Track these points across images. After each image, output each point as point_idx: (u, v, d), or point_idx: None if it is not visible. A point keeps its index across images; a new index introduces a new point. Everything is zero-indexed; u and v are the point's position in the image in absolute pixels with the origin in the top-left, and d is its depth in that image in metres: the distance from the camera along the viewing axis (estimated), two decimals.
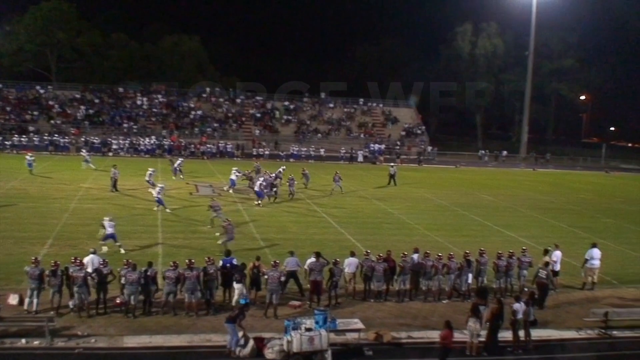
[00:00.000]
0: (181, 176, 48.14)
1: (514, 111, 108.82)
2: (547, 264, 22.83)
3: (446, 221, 37.45)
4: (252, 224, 33.21)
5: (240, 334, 17.24)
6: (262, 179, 40.39)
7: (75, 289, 19.05)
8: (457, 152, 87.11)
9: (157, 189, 35.68)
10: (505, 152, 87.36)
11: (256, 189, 39.24)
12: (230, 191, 43.05)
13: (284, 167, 49.04)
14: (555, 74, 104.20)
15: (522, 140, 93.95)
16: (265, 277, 20.26)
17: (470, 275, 22.55)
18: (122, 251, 25.71)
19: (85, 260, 20.27)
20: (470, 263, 22.60)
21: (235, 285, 20.33)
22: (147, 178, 41.99)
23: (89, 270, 19.79)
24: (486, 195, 48.83)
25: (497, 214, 40.62)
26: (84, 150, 57.00)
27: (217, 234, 29.34)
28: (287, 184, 42.23)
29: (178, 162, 50.22)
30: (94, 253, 21.06)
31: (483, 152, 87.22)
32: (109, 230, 26.05)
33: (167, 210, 34.82)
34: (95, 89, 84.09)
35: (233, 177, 43.91)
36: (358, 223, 35.03)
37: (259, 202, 38.71)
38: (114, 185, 41.10)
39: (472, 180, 59.55)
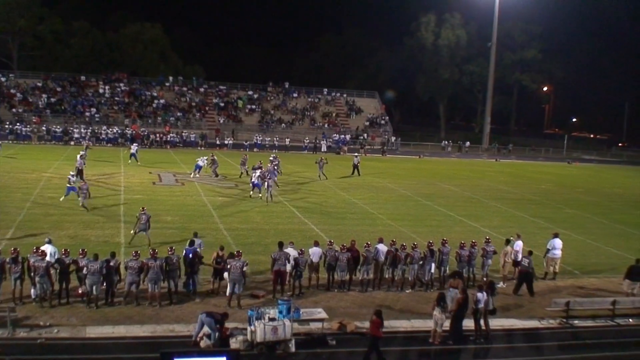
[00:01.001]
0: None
1: (476, 102, 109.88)
2: (530, 252, 23.19)
3: (409, 211, 37.74)
4: (216, 213, 33.14)
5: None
6: (259, 171, 40.01)
7: (37, 279, 18.83)
8: (421, 143, 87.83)
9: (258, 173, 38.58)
10: (468, 143, 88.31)
11: (253, 180, 38.91)
12: (197, 175, 43.28)
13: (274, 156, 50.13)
14: (518, 65, 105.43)
15: (485, 131, 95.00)
16: (228, 266, 20.22)
17: (433, 265, 22.76)
18: None
19: (42, 248, 20.04)
20: (433, 253, 22.82)
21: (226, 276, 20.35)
22: (201, 164, 44.99)
23: (49, 259, 19.56)
24: (449, 186, 49.31)
25: (460, 205, 41.02)
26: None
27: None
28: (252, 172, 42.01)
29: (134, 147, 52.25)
30: (49, 242, 20.81)
31: (446, 142, 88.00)
32: None
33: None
34: (57, 78, 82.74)
35: (200, 162, 45.07)
36: (322, 213, 35.12)
37: (252, 192, 38.58)
38: (79, 174, 40.14)
39: (435, 171, 60.09)
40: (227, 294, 20.01)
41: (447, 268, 23.22)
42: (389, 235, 26.99)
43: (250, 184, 39.18)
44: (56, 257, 19.93)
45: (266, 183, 35.13)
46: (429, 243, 23.29)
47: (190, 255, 20.67)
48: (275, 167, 44.04)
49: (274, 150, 65.27)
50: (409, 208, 38.87)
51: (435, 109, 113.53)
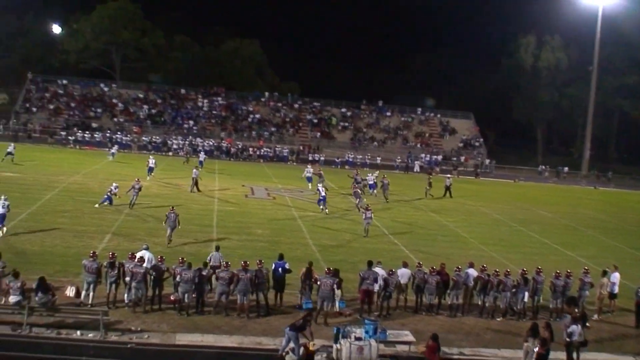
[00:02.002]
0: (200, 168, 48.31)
1: (576, 126, 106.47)
2: None
3: (502, 236, 36.88)
4: (305, 227, 33.31)
5: (302, 341, 17.06)
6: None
7: (133, 284, 19.36)
8: (516, 166, 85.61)
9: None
10: (566, 168, 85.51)
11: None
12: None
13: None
14: (619, 90, 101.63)
15: (584, 156, 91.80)
16: (318, 283, 20.23)
17: (526, 294, 22.06)
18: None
19: (139, 255, 20.60)
20: (527, 281, 22.13)
21: (336, 291, 20.39)
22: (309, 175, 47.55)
23: (146, 265, 20.10)
24: (545, 212, 47.89)
25: (556, 232, 39.78)
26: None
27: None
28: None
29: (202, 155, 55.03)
30: (146, 249, 21.37)
31: (543, 167, 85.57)
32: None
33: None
34: (158, 89, 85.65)
35: (307, 174, 48.30)
36: (412, 234, 34.78)
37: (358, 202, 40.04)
38: (195, 185, 41.81)
39: (531, 196, 58.47)
40: (317, 309, 20.03)
41: (541, 297, 22.49)
42: (480, 260, 26.35)
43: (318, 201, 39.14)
44: (152, 263, 20.45)
45: (366, 215, 34.08)
46: (523, 271, 22.64)
47: (280, 270, 20.81)
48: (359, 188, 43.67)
49: (363, 169, 65.08)
50: (502, 233, 37.98)
51: (532, 132, 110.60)
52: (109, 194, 34.69)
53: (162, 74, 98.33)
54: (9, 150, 48.01)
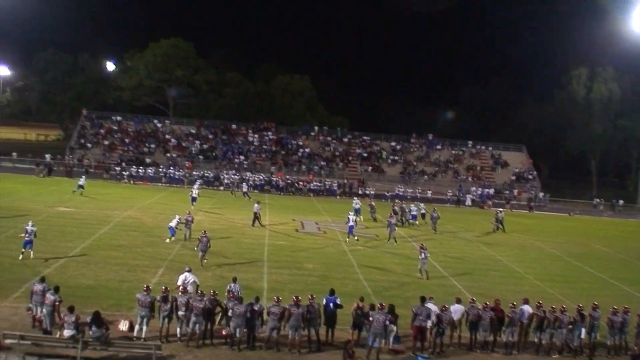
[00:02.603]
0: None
1: (630, 158, 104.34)
2: None
3: (558, 272, 36.05)
4: (356, 262, 33.11)
5: None
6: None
7: (192, 318, 19.46)
8: (571, 200, 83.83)
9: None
10: (621, 202, 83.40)
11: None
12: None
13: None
14: None
15: None
16: (370, 318, 20.01)
17: (583, 330, 21.49)
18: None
19: (181, 277, 20.68)
20: (584, 317, 21.55)
21: (390, 327, 20.21)
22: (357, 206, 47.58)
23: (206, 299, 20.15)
24: (601, 246, 46.74)
25: (613, 267, 38.76)
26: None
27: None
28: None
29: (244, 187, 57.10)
30: (189, 271, 21.37)
31: (597, 200, 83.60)
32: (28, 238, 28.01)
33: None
34: (210, 125, 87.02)
35: (355, 205, 47.98)
36: (464, 269, 34.25)
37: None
38: (257, 219, 42.32)
39: (586, 230, 57.17)
40: (368, 346, 19.80)
41: (598, 334, 21.85)
42: (535, 296, 25.73)
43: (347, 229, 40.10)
44: (191, 282, 20.54)
45: (423, 254, 32.79)
46: (579, 307, 22.08)
47: (331, 305, 20.68)
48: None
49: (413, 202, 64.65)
50: (558, 268, 37.12)
51: (586, 164, 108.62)
52: (175, 226, 35.06)
53: (213, 110, 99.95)
54: (80, 183, 51.01)
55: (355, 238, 39.80)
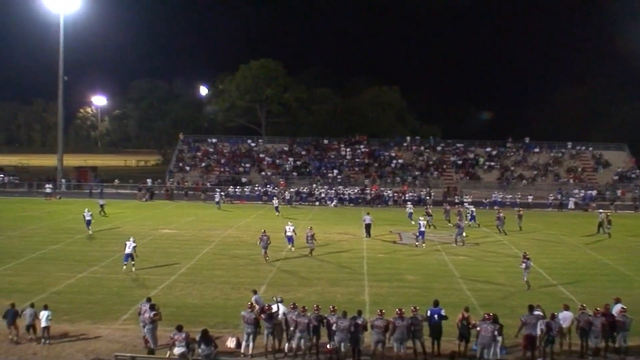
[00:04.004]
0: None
1: None
2: None
3: None
4: (457, 272, 32.56)
5: None
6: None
7: (297, 334, 19.60)
8: None
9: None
10: None
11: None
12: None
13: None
14: None
15: None
16: (478, 328, 19.60)
17: None
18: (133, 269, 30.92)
19: (274, 307, 20.79)
20: None
21: (497, 337, 19.87)
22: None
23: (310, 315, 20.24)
24: None
25: None
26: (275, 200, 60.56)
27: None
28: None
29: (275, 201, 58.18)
30: (280, 302, 21.43)
31: None
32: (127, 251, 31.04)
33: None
34: (302, 142, 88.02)
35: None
36: (571, 274, 33.07)
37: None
38: (368, 231, 43.63)
39: None
40: (475, 358, 19.40)
41: None
42: None
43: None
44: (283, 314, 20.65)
45: (525, 264, 32.51)
46: None
47: (436, 317, 20.38)
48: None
49: (513, 209, 63.02)
50: None
51: None
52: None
53: (305, 126, 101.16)
54: (217, 200, 60.79)
55: (419, 244, 40.36)
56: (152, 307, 20.30)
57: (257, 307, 21.31)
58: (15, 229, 43.92)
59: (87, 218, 43.73)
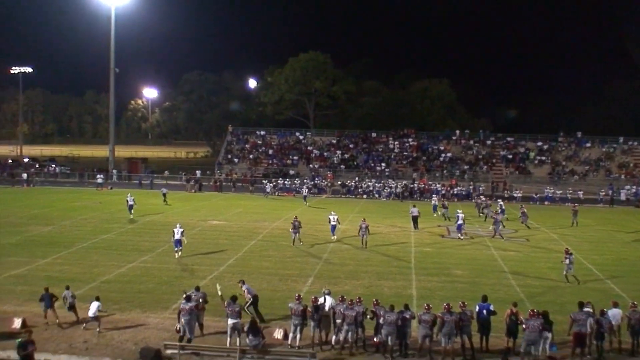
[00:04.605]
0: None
1: None
2: None
3: None
4: (507, 267, 32.19)
5: None
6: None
7: (344, 326, 19.68)
8: None
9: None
10: None
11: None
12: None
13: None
14: None
15: None
16: (523, 326, 19.39)
17: None
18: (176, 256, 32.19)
19: (320, 300, 20.85)
20: None
21: (546, 334, 19.70)
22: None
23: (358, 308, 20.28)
24: None
25: None
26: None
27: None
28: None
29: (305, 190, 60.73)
30: (328, 294, 21.48)
31: None
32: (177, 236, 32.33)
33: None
34: (350, 134, 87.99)
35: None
36: (621, 271, 32.40)
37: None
38: (415, 223, 44.47)
39: None
40: (521, 353, 19.21)
41: None
42: None
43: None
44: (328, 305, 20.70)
45: (568, 259, 31.90)
46: None
47: (485, 312, 20.23)
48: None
49: (565, 204, 62.00)
50: None
51: None
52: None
53: (353, 119, 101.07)
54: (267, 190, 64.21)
55: (462, 236, 40.89)
56: (188, 298, 20.58)
57: (248, 295, 22.33)
58: (67, 219, 44.94)
59: (130, 203, 46.92)
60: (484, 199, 56.01)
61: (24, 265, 30.17)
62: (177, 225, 33.10)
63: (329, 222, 39.19)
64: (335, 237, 38.64)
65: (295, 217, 37.83)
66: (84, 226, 42.25)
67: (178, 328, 20.28)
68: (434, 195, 60.37)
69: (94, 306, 21.26)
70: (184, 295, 20.72)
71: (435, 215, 50.74)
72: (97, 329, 21.05)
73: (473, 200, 59.63)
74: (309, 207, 55.77)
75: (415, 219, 44.31)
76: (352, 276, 29.35)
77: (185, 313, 20.08)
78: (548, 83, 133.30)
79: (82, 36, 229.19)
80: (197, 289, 21.84)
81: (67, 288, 22.04)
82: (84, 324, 21.35)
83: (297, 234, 36.64)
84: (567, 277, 29.52)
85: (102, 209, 50.79)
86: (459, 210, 42.78)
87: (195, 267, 30.52)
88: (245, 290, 22.47)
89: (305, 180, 71.00)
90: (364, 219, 38.16)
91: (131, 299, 24.85)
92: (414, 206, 46.60)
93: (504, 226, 43.89)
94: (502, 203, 51.22)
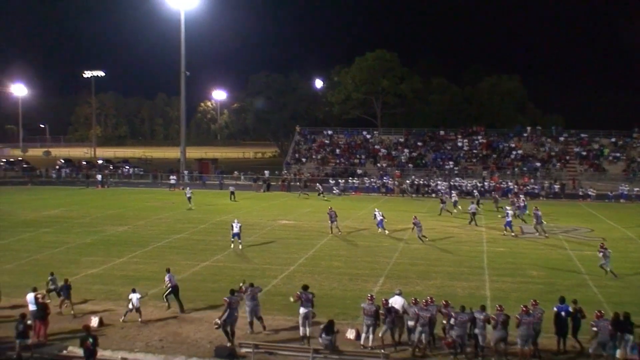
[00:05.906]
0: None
1: None
2: None
3: None
4: (583, 268, 31.27)
5: None
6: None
7: (418, 327, 19.46)
8: None
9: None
10: None
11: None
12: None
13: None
14: None
15: None
16: (595, 328, 18.77)
17: None
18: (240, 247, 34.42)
19: (391, 300, 20.60)
20: None
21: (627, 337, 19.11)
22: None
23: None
24: None
25: None
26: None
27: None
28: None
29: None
30: (399, 294, 21.20)
31: None
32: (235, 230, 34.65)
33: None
34: (417, 133, 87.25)
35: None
36: None
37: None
38: (474, 219, 45.12)
39: None
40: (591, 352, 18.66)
41: None
42: None
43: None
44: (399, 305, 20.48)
45: (602, 253, 30.08)
46: None
47: (563, 314, 19.68)
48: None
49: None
50: None
51: None
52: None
53: (420, 117, 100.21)
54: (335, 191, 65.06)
55: (513, 233, 40.82)
56: (232, 292, 20.87)
57: (169, 284, 23.13)
58: (141, 219, 45.92)
59: (188, 195, 53.05)
60: (523, 198, 54.27)
61: (100, 264, 30.94)
62: (235, 220, 35.76)
63: (374, 217, 41.45)
64: (386, 231, 40.33)
65: (330, 207, 41.98)
66: (158, 226, 43.10)
67: (218, 322, 20.38)
68: (453, 192, 60.24)
69: (134, 297, 22.06)
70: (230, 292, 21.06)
71: (455, 211, 51.35)
72: (139, 319, 21.96)
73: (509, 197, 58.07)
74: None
75: (472, 215, 45.23)
76: (424, 276, 29.03)
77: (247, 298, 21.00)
78: (623, 77, 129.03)
79: (153, 40, 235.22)
80: (251, 285, 21.91)
81: (134, 291, 22.49)
82: (123, 317, 22.19)
83: (335, 223, 39.82)
84: (606, 271, 29.15)
85: (176, 208, 51.71)
86: (507, 207, 43.39)
87: (266, 267, 30.72)
88: (167, 279, 23.39)
89: (390, 182, 70.55)
90: (415, 217, 39.61)
91: (205, 298, 25.17)
92: (472, 202, 47.75)
93: (524, 221, 45.56)
94: (524, 199, 51.94)
